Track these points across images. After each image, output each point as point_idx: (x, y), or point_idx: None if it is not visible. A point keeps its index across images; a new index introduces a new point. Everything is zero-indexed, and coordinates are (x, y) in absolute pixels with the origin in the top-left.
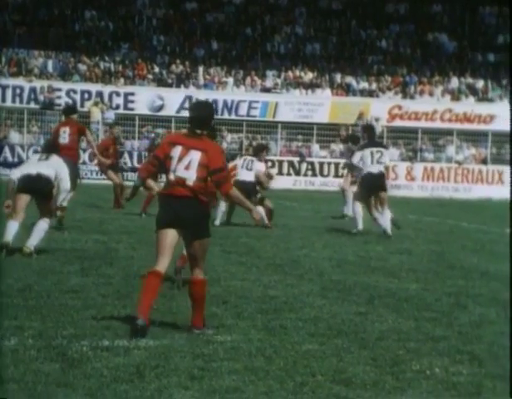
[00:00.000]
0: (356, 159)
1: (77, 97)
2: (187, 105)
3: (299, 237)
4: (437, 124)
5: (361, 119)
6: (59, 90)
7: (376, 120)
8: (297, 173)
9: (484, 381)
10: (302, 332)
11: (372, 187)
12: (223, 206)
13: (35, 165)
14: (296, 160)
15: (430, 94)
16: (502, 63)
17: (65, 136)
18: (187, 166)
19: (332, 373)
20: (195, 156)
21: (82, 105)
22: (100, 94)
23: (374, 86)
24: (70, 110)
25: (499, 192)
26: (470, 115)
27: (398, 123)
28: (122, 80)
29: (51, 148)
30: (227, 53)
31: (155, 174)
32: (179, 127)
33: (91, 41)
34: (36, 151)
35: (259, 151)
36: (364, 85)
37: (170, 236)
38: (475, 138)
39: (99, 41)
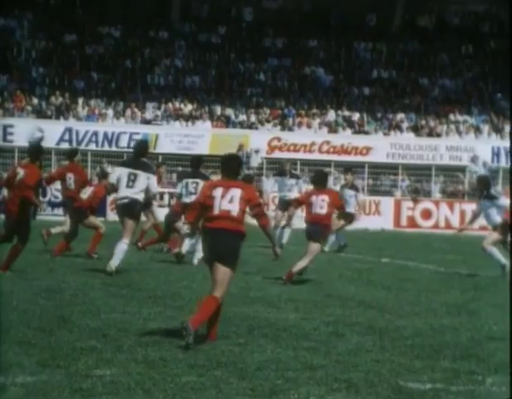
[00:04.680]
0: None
1: None
2: (67, 136)
3: (180, 269)
4: (315, 155)
5: (240, 151)
6: None
7: (256, 151)
8: None
9: None
10: (182, 364)
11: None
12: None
13: (124, 193)
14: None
15: (308, 126)
16: (377, 96)
17: (70, 182)
18: (230, 200)
19: None
20: (236, 192)
21: None
22: None
23: (253, 118)
24: (73, 152)
25: (375, 223)
26: (347, 147)
27: (277, 155)
28: (1, 111)
29: (138, 163)
30: (107, 85)
31: (199, 216)
32: (59, 159)
33: None
34: (124, 163)
35: None
36: (243, 117)
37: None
38: (352, 170)
39: None
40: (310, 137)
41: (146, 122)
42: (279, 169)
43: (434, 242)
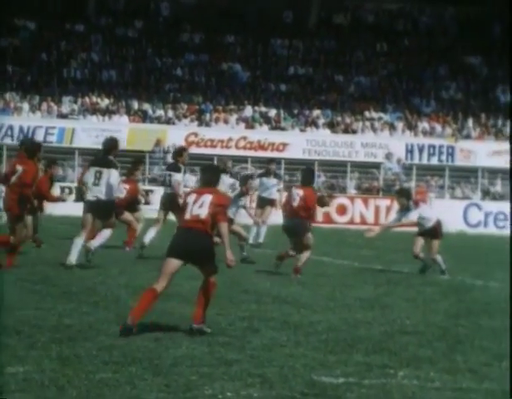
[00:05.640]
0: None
1: None
2: None
3: (95, 264)
4: (233, 151)
5: (158, 146)
6: None
7: (173, 147)
8: None
9: None
10: (97, 360)
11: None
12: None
13: (92, 191)
14: None
15: (226, 122)
16: (293, 93)
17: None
18: (200, 205)
19: None
20: (207, 198)
21: None
22: None
23: (170, 113)
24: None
25: None
26: (264, 143)
27: (195, 150)
28: None
29: (104, 161)
30: (22, 78)
31: None
32: None
33: None
34: (93, 163)
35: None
36: (160, 112)
37: (173, 265)
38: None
39: None
40: (227, 133)
41: (63, 116)
42: (221, 166)
43: (349, 237)
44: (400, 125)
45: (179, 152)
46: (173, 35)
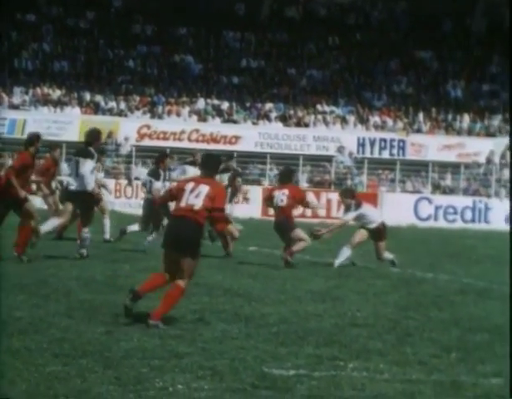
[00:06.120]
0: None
1: None
2: None
3: (46, 256)
4: (185, 144)
5: (110, 138)
6: None
7: (126, 139)
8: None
9: (225, 395)
10: (47, 353)
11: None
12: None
13: (72, 180)
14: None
15: (178, 114)
16: (245, 86)
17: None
18: (196, 195)
19: (76, 394)
20: (204, 189)
21: None
22: None
23: (123, 105)
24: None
25: (243, 211)
26: (217, 136)
27: (147, 142)
28: None
29: (83, 152)
30: None
31: (166, 203)
32: None
33: None
34: (74, 154)
35: None
36: (113, 104)
37: (171, 258)
38: (234, 156)
39: None
40: (180, 125)
41: (14, 107)
42: (192, 159)
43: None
44: (351, 118)
45: (161, 159)
46: (125, 26)
